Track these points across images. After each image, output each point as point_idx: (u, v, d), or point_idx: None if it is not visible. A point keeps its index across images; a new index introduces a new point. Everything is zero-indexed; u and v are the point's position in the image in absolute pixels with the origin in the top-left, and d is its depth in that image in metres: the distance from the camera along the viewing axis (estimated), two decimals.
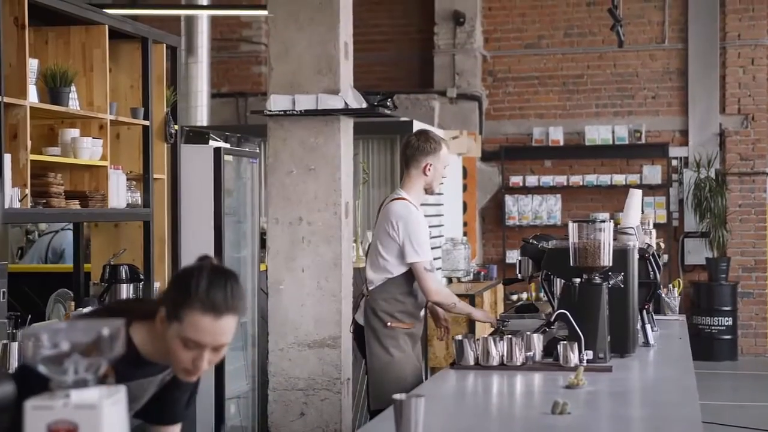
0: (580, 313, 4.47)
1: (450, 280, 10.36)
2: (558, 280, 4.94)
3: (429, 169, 5.13)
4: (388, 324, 5.06)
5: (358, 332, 5.22)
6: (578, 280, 4.55)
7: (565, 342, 4.38)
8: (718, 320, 12.26)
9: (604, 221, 4.60)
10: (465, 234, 12.17)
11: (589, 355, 4.41)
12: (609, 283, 4.63)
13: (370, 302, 5.10)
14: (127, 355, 2.64)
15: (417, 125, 9.38)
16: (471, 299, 9.19)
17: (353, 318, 5.32)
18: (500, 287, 11.15)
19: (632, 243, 4.96)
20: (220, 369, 6.30)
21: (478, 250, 12.84)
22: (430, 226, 8.77)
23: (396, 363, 5.06)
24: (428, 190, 5.21)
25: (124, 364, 2.59)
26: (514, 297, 11.93)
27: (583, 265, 4.55)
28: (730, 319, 12.29)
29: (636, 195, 5.74)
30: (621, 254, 4.71)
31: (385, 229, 5.06)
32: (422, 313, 5.29)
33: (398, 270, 5.06)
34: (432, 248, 9.22)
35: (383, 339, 5.07)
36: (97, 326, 1.86)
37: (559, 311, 4.53)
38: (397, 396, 2.87)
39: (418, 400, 2.85)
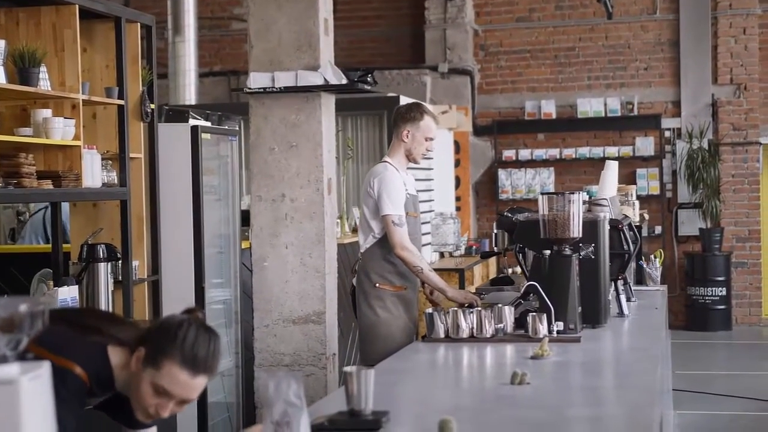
0: (551, 284, 4.50)
1: (442, 255, 10.37)
2: (529, 252, 4.95)
3: (407, 136, 5.36)
4: (377, 285, 5.27)
5: (354, 294, 5.45)
6: (548, 252, 4.57)
7: (534, 313, 4.40)
8: (712, 290, 12.27)
9: (573, 193, 4.61)
10: (458, 209, 12.18)
11: (559, 326, 4.43)
12: (579, 255, 4.64)
13: (363, 265, 5.34)
14: (104, 378, 2.73)
15: (404, 101, 9.38)
16: (460, 274, 9.22)
17: (352, 282, 5.53)
18: (493, 261, 11.17)
19: (604, 214, 4.96)
20: None
21: (472, 224, 12.86)
22: (420, 201, 8.79)
23: (382, 323, 5.25)
24: (409, 157, 5.40)
25: (99, 386, 2.72)
26: (509, 270, 11.93)
27: (552, 236, 4.57)
28: (724, 289, 12.31)
29: (611, 167, 5.75)
30: (591, 225, 4.72)
31: (366, 190, 5.31)
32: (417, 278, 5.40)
33: (379, 228, 5.27)
34: (422, 223, 9.28)
35: (370, 299, 5.29)
36: (15, 303, 1.87)
37: (529, 283, 4.55)
38: (347, 368, 2.90)
39: (367, 372, 2.88)
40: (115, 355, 2.76)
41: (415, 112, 5.39)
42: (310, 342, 5.69)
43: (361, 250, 5.39)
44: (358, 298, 5.38)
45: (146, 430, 3.02)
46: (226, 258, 6.87)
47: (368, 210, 5.30)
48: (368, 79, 5.87)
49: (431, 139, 5.41)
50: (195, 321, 2.73)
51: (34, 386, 1.86)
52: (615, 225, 5.16)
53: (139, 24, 5.99)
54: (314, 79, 5.55)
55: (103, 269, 5.55)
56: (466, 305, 4.96)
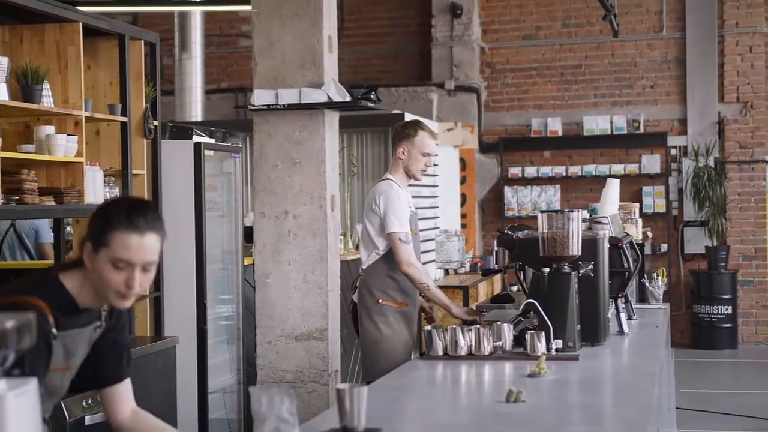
0: (550, 302, 4.49)
1: (446, 272, 10.37)
2: (529, 269, 4.95)
3: (404, 153, 5.43)
4: (379, 301, 5.33)
5: (354, 311, 5.49)
6: (547, 269, 4.57)
7: (532, 331, 4.39)
8: (718, 309, 12.24)
9: (572, 211, 4.61)
10: (464, 226, 12.19)
11: (558, 344, 4.42)
12: (579, 273, 4.64)
13: (365, 281, 5.38)
14: (63, 301, 2.84)
15: (409, 118, 9.39)
16: (464, 291, 9.21)
17: (352, 299, 5.56)
18: (498, 278, 11.15)
19: (604, 232, 4.96)
20: (202, 362, 6.34)
21: (477, 241, 12.86)
22: (424, 218, 8.79)
23: (385, 339, 5.31)
24: (408, 174, 5.45)
25: (61, 312, 2.82)
26: (515, 288, 11.89)
27: (552, 254, 4.56)
28: (730, 307, 12.27)
29: (613, 185, 5.76)
30: (591, 243, 4.72)
31: (370, 207, 5.36)
32: (418, 293, 5.43)
33: (383, 245, 5.32)
34: (425, 240, 9.27)
35: (373, 315, 5.34)
36: (2, 319, 1.88)
37: (528, 301, 4.55)
38: (339, 385, 2.90)
39: (359, 389, 2.88)
40: (68, 279, 2.88)
41: (410, 129, 5.45)
42: (312, 359, 5.70)
43: (363, 267, 5.42)
44: (360, 314, 5.41)
45: (121, 383, 3.10)
46: (228, 274, 6.88)
47: (373, 227, 5.33)
48: (372, 96, 5.89)
49: (428, 155, 5.43)
50: (123, 199, 2.92)
51: (21, 402, 1.87)
52: (615, 243, 5.16)
53: (143, 41, 6.03)
54: (318, 96, 5.57)
55: None
56: (468, 322, 4.97)
